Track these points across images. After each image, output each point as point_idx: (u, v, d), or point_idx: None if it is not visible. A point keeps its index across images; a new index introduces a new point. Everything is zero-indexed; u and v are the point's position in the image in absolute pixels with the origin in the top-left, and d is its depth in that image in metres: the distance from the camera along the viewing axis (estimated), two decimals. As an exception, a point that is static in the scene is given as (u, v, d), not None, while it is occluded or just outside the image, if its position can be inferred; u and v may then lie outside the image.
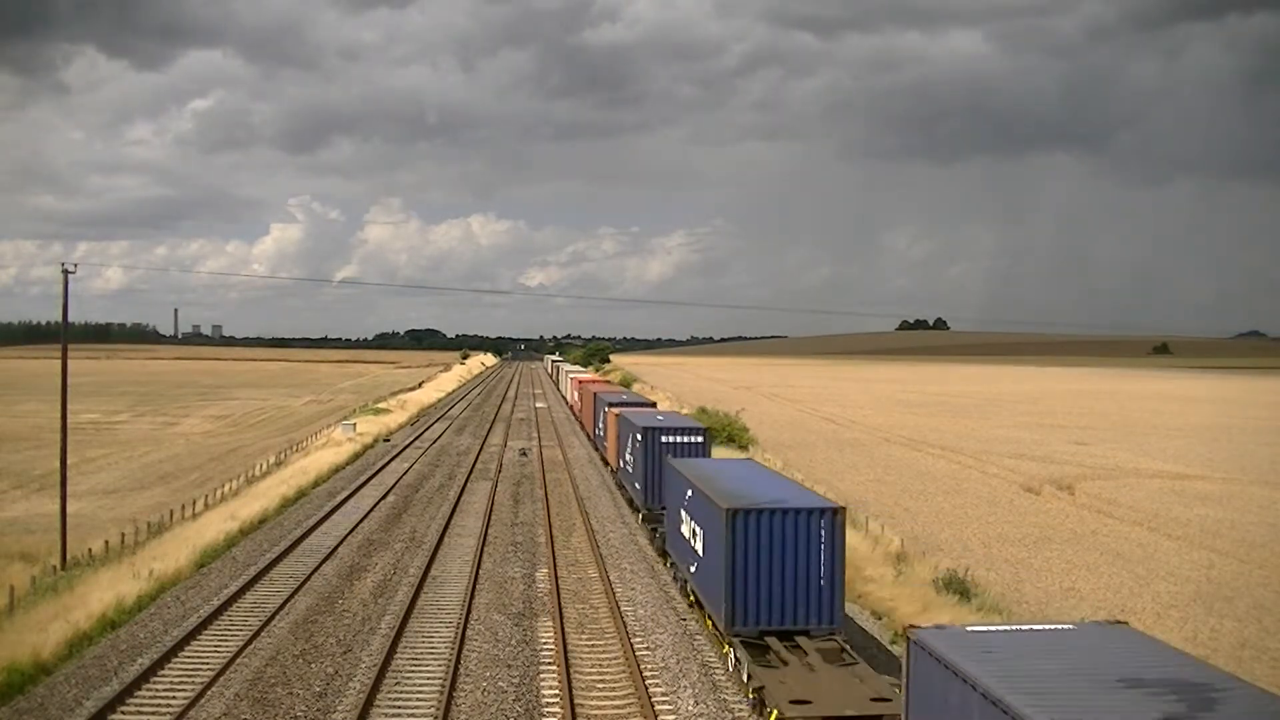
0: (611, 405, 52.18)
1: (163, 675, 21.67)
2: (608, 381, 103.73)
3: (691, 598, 26.22)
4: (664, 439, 36.70)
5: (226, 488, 50.35)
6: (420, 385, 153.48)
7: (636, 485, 38.31)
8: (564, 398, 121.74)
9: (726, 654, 21.96)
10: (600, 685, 21.36)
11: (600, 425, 57.48)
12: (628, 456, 41.30)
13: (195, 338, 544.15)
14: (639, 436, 37.49)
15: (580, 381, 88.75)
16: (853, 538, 35.20)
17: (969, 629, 14.15)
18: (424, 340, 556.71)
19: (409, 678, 21.62)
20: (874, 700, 17.57)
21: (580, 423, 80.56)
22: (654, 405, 59.37)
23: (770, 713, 18.03)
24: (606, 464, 53.73)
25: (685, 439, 37.17)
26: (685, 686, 21.09)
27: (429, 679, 21.51)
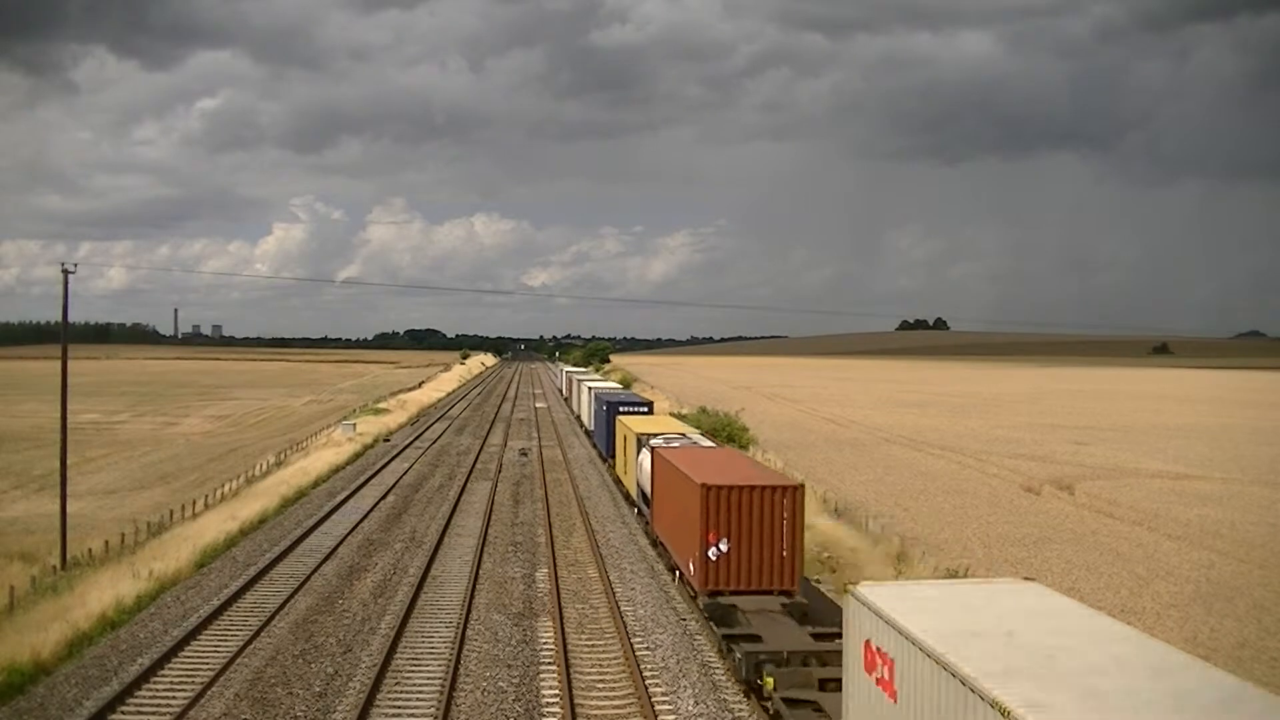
0: None
1: (163, 675, 21.66)
2: None
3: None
4: None
5: (226, 488, 50.32)
6: (420, 385, 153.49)
7: None
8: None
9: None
10: (600, 685, 21.35)
11: None
12: None
13: (195, 338, 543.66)
14: None
15: None
16: (853, 537, 35.30)
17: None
18: (423, 340, 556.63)
19: (409, 677, 21.61)
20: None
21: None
22: None
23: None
24: None
25: None
26: (685, 686, 21.08)
27: (429, 679, 21.51)
